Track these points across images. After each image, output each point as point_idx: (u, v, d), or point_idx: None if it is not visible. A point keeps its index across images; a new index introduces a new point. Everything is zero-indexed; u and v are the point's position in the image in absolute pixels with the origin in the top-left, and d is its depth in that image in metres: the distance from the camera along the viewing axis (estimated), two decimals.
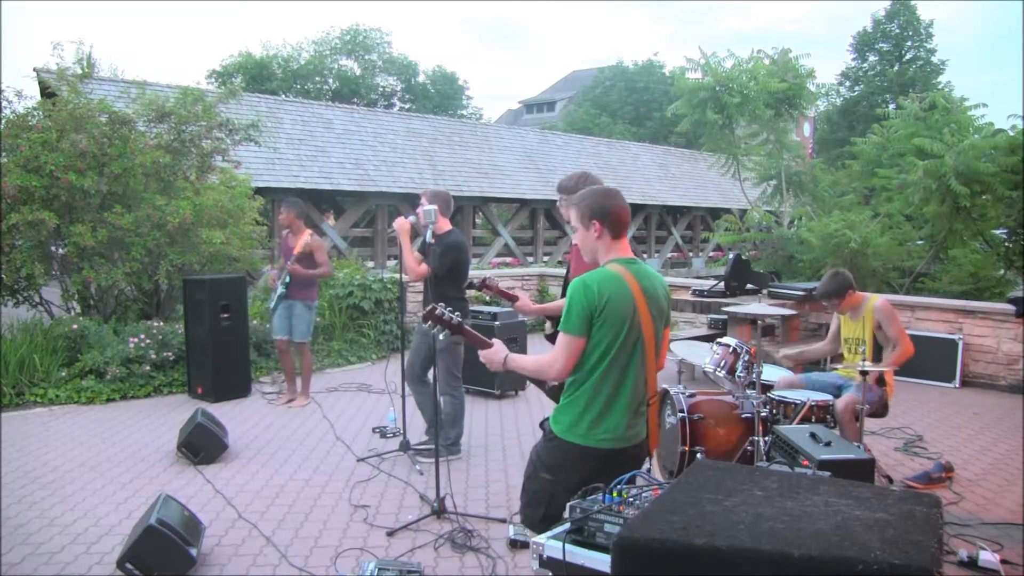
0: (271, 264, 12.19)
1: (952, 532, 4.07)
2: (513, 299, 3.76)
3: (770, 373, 5.18)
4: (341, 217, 16.53)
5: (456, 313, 3.11)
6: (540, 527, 2.87)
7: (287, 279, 6.58)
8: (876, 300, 4.98)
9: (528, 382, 7.32)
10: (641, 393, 2.81)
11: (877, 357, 4.92)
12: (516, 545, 3.91)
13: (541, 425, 2.99)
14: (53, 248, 8.20)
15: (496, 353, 2.89)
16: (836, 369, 5.23)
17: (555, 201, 4.27)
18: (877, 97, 33.38)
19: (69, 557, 3.84)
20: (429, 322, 3.06)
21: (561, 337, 2.71)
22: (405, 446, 5.41)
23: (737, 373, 4.64)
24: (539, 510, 2.91)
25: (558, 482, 2.80)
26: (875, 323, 4.90)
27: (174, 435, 5.62)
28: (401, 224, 4.90)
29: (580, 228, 2.84)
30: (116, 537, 4.04)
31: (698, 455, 4.36)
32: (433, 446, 4.98)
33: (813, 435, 3.80)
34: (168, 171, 8.20)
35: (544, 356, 2.79)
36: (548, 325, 4.10)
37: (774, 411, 4.61)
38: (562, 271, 12.85)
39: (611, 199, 2.81)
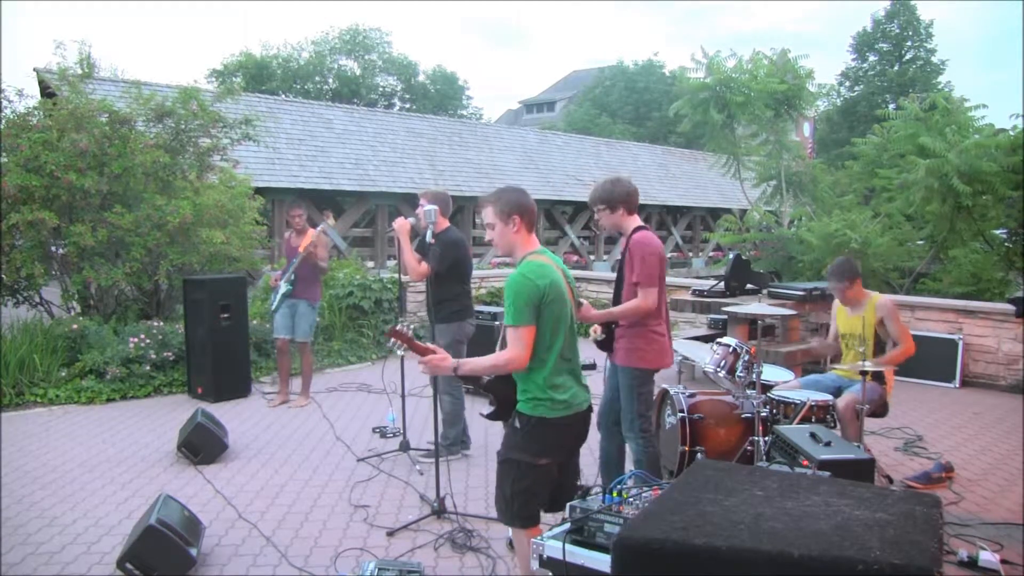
0: (271, 264, 12.23)
1: (952, 532, 4.07)
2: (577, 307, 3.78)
3: (770, 373, 5.18)
4: (341, 217, 16.54)
5: (411, 325, 3.18)
6: (537, 517, 3.05)
7: (292, 277, 6.55)
8: (879, 298, 4.98)
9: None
10: (579, 360, 3.16)
11: (880, 354, 4.91)
12: None
13: (496, 419, 3.13)
14: (53, 248, 8.21)
15: (443, 360, 3.02)
16: (835, 369, 5.23)
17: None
18: (877, 97, 33.34)
19: (69, 557, 3.84)
20: (392, 338, 3.15)
21: (514, 331, 2.92)
22: (405, 446, 5.41)
23: (737, 373, 4.64)
24: (543, 495, 3.06)
25: (552, 461, 3.02)
26: (877, 320, 4.90)
27: (174, 435, 5.62)
28: (401, 224, 4.90)
29: (499, 223, 3.11)
30: (116, 537, 4.04)
31: (698, 455, 4.37)
32: (434, 447, 4.99)
33: (813, 435, 3.80)
34: (167, 171, 8.20)
35: (501, 353, 2.97)
36: (599, 330, 4.14)
37: (774, 411, 4.61)
38: None
39: (526, 197, 3.17)
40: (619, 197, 4.13)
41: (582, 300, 3.75)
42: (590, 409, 3.14)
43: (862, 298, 5.00)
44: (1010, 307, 7.45)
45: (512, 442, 3.05)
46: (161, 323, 7.69)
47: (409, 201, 15.85)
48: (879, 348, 4.97)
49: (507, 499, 3.04)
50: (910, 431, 6.16)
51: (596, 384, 4.12)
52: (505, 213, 3.08)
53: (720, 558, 1.84)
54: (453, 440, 5.34)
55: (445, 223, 5.18)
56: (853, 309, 5.01)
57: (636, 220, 4.18)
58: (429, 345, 3.09)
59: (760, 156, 14.60)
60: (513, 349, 2.91)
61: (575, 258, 19.77)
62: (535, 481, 2.99)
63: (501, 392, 3.11)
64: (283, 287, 6.58)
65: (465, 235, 11.74)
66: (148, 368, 7.16)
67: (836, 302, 5.25)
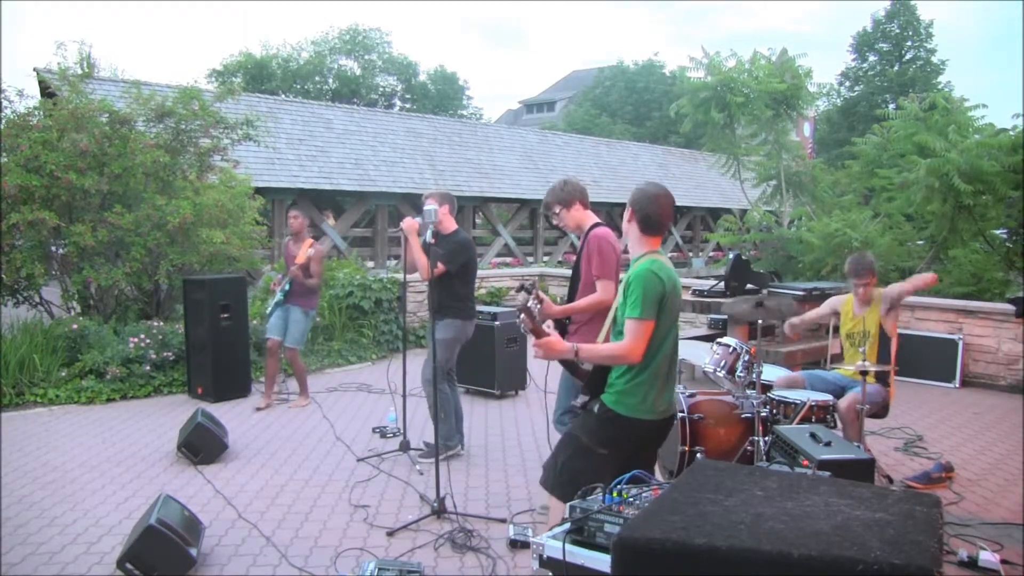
0: (271, 264, 12.23)
1: (952, 532, 4.07)
2: (539, 302, 3.77)
3: (770, 373, 5.18)
4: (341, 217, 16.53)
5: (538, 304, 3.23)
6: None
7: (287, 286, 6.57)
8: (883, 289, 4.98)
9: (529, 378, 7.32)
10: (676, 369, 3.16)
11: (883, 356, 4.90)
12: (516, 545, 3.91)
13: (584, 407, 3.08)
14: (53, 248, 8.21)
15: (559, 343, 3.01)
16: (836, 368, 5.23)
17: None
18: (877, 97, 33.32)
19: (69, 557, 3.84)
20: (523, 315, 3.08)
21: (635, 323, 2.90)
22: (405, 446, 5.41)
23: (737, 373, 4.64)
24: (591, 481, 2.99)
25: (613, 455, 2.99)
26: (882, 311, 4.88)
27: (174, 435, 5.62)
28: (410, 224, 4.91)
29: (626, 210, 3.16)
30: (116, 537, 4.04)
31: (698, 455, 4.36)
32: (427, 446, 5.00)
33: (813, 435, 3.79)
34: (167, 171, 8.20)
35: (619, 344, 2.96)
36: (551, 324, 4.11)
37: (774, 411, 4.60)
38: (562, 271, 12.82)
39: (654, 200, 3.13)
40: (572, 194, 4.19)
41: (543, 296, 3.76)
42: (673, 416, 3.14)
43: (872, 297, 4.99)
44: (1010, 307, 7.45)
45: (584, 423, 3.09)
46: (161, 323, 7.69)
47: (409, 201, 15.84)
48: (882, 348, 4.96)
49: (556, 467, 3.08)
50: (910, 431, 6.16)
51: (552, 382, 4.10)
52: (629, 202, 3.15)
53: (720, 558, 1.84)
54: (446, 436, 5.32)
55: (454, 225, 5.19)
56: (861, 306, 5.00)
57: (593, 216, 4.25)
58: (545, 328, 3.02)
59: (760, 156, 14.59)
60: (632, 341, 2.90)
61: (574, 258, 19.78)
62: (588, 465, 2.99)
63: (598, 385, 3.07)
64: (278, 294, 6.61)
65: None
66: (148, 368, 7.16)
67: (838, 298, 5.23)
